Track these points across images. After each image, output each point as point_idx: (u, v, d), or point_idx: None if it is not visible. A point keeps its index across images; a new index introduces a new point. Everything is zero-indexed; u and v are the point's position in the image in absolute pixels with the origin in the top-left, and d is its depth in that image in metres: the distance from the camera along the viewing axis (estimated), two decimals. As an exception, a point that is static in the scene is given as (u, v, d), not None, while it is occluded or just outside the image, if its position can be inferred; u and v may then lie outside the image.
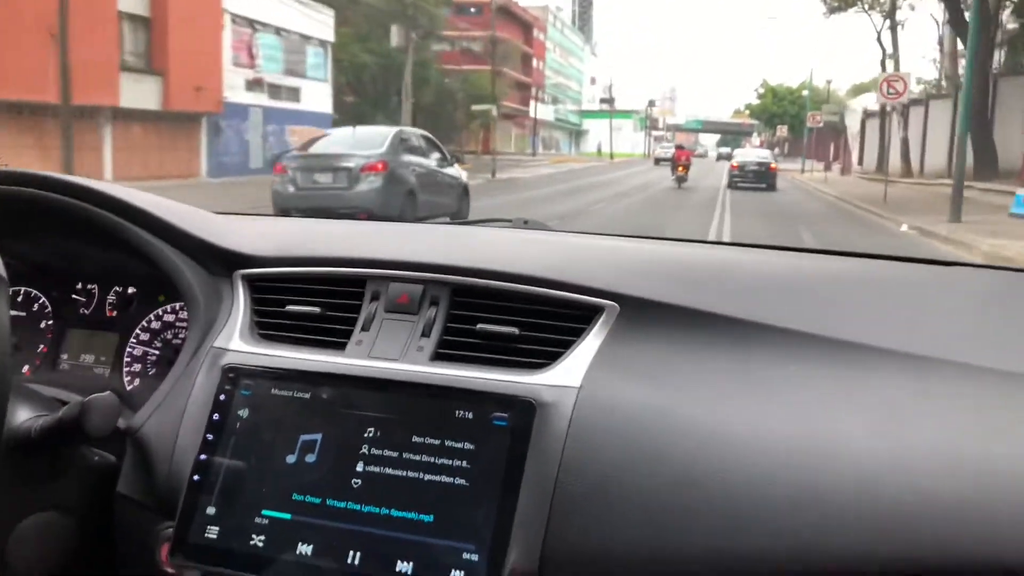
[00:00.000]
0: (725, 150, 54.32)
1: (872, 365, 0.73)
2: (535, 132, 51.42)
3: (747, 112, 70.49)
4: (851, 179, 29.69)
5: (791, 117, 61.31)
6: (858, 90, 54.62)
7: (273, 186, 9.19)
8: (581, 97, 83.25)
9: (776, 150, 71.51)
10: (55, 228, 1.00)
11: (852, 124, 37.25)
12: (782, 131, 49.51)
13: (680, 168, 21.85)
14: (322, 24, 26.94)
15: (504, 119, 57.69)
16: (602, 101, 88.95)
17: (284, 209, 8.62)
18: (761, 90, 64.91)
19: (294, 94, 26.82)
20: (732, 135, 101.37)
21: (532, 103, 52.52)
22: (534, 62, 62.12)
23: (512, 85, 51.93)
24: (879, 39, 29.82)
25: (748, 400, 0.72)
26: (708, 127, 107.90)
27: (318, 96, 27.32)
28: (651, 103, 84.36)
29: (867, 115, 35.79)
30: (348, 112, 40.20)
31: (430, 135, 10.76)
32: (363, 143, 9.44)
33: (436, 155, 10.22)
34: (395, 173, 9.11)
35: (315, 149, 9.54)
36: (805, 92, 63.90)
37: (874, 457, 0.65)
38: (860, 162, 37.18)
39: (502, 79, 50.41)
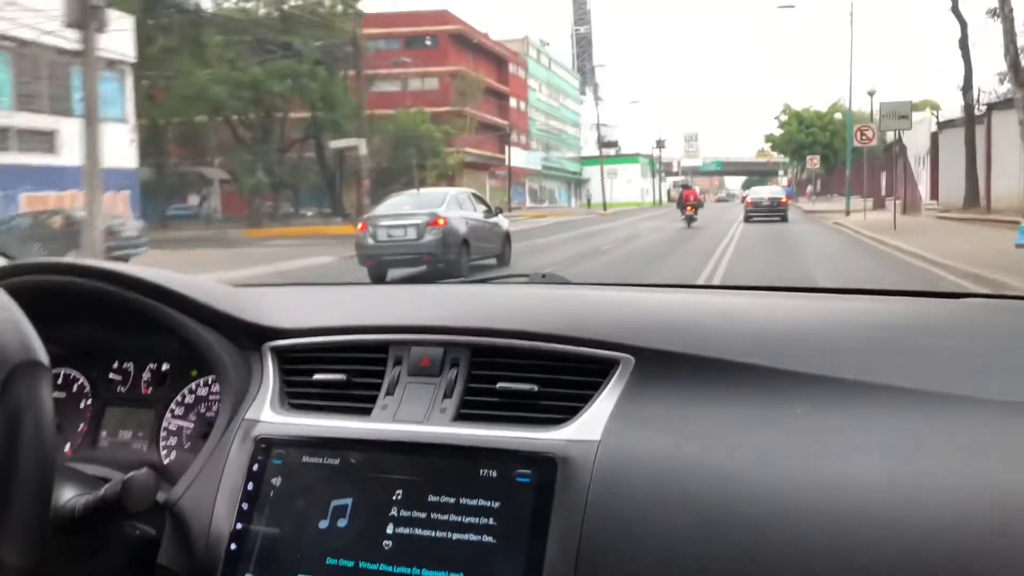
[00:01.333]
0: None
1: (886, 404, 0.81)
2: (511, 182, 39.99)
3: (768, 146, 57.46)
4: (927, 221, 22.59)
5: (822, 146, 49.99)
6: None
7: (356, 239, 12.61)
8: (580, 143, 71.26)
9: (809, 188, 58.33)
10: (91, 312, 1.16)
11: (915, 143, 24.00)
12: (813, 163, 37.97)
13: (688, 208, 24.15)
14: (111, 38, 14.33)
15: (473, 168, 46.73)
16: (602, 145, 77.22)
17: (366, 256, 12.24)
18: (783, 117, 53.04)
19: (43, 141, 19.45)
20: (757, 176, 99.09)
21: (508, 148, 49.27)
22: (512, 102, 50.30)
23: (474, 128, 40.01)
24: (955, 8, 17.78)
25: (765, 445, 0.80)
26: (729, 169, 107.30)
27: (107, 143, 14.61)
28: (659, 144, 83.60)
29: (943, 126, 22.60)
30: (239, 160, 28.18)
31: (478, 193, 14.68)
32: (425, 203, 12.83)
33: (483, 208, 13.65)
34: (452, 226, 12.24)
35: (388, 210, 12.94)
36: (838, 115, 50.35)
37: (892, 497, 0.71)
38: (934, 195, 23.76)
39: (461, 120, 47.28)
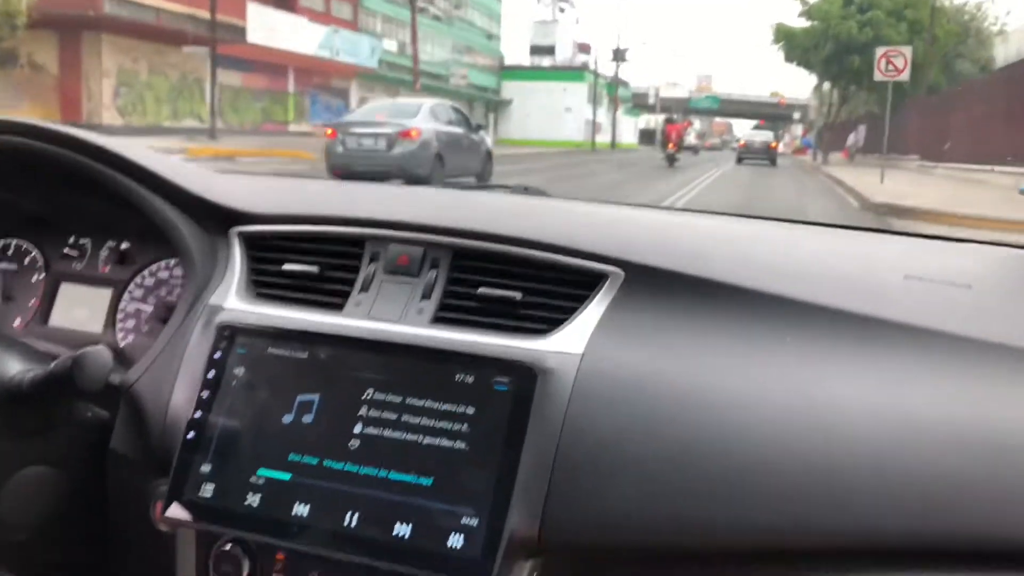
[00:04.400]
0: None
1: (878, 337, 0.87)
2: (215, 84, 23.13)
3: (778, 48, 37.17)
4: None
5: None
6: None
7: (326, 147, 13.29)
8: (498, 46, 57.51)
9: (852, 138, 36.82)
10: (47, 179, 1.21)
11: None
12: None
13: (671, 145, 24.39)
14: None
15: (145, 38, 25.47)
16: (534, 51, 49.40)
17: (334, 165, 12.87)
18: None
19: None
20: (768, 119, 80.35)
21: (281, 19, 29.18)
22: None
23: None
24: None
25: (750, 369, 0.87)
26: (729, 107, 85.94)
27: None
28: (617, 55, 58.69)
29: None
30: None
31: (459, 107, 15.08)
32: (400, 113, 13.35)
33: (463, 123, 14.42)
34: (426, 139, 12.87)
35: (360, 117, 13.79)
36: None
37: (876, 429, 0.78)
38: None
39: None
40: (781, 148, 65.29)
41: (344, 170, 12.53)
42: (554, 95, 53.35)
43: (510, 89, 54.79)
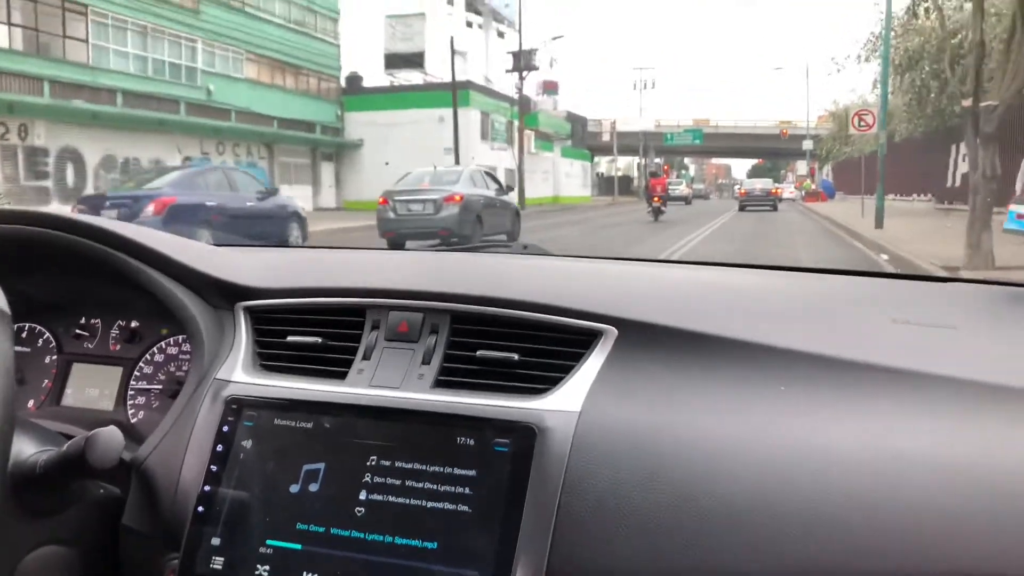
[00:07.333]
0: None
1: (867, 382, 0.90)
2: None
3: None
4: None
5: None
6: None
7: (377, 212, 15.34)
8: (337, 57, 36.94)
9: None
10: (58, 265, 1.26)
11: None
12: None
13: (655, 199, 25.41)
14: None
15: None
16: (392, 62, 43.48)
17: (386, 229, 14.85)
18: None
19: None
20: (768, 156, 74.91)
21: None
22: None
23: None
24: None
25: (744, 418, 0.90)
26: (716, 143, 66.93)
27: None
28: (520, 60, 36.68)
29: None
30: None
31: (490, 171, 17.59)
32: (443, 180, 15.43)
33: (495, 186, 16.59)
34: (467, 202, 14.91)
35: (407, 185, 15.62)
36: None
37: (871, 474, 0.81)
38: None
39: None
40: (791, 192, 49.56)
41: (395, 233, 14.36)
42: (426, 128, 33.92)
43: (359, 124, 36.39)
